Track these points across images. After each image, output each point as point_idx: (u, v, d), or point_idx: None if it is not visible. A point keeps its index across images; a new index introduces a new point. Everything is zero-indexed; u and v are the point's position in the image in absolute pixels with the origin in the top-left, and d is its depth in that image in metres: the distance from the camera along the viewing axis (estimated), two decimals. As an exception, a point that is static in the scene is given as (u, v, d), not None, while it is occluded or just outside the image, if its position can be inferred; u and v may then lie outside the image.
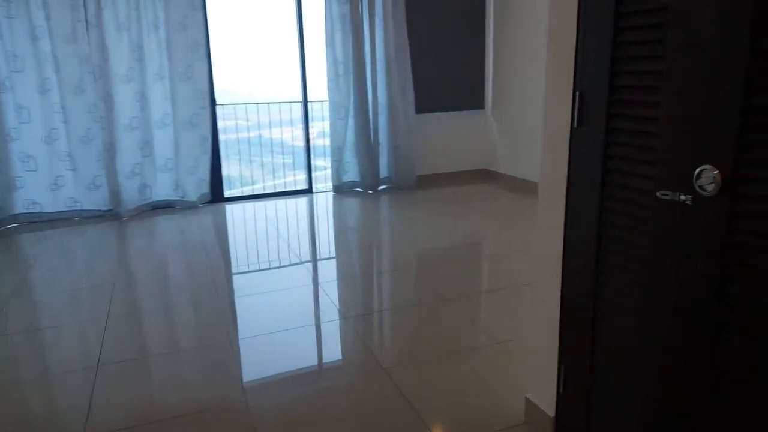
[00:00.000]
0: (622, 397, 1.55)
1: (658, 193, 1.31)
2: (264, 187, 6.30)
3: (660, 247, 1.34)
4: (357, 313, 2.92)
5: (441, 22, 5.81)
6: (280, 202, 5.59)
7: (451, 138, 6.20)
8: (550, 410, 1.86)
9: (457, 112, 6.13)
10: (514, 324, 2.75)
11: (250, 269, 3.69)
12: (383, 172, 5.88)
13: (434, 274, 3.48)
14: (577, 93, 1.54)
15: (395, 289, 3.29)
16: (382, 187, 5.92)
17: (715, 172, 1.17)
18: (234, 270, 3.71)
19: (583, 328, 1.65)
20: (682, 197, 1.26)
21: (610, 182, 1.48)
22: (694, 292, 1.27)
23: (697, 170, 1.21)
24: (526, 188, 5.59)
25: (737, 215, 1.16)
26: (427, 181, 6.13)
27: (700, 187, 1.21)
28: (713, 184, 1.18)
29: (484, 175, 6.34)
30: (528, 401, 1.97)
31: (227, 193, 5.64)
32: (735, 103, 1.12)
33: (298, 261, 3.79)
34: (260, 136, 6.64)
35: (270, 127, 6.36)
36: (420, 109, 5.87)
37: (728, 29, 1.12)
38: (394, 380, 2.26)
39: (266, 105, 6.27)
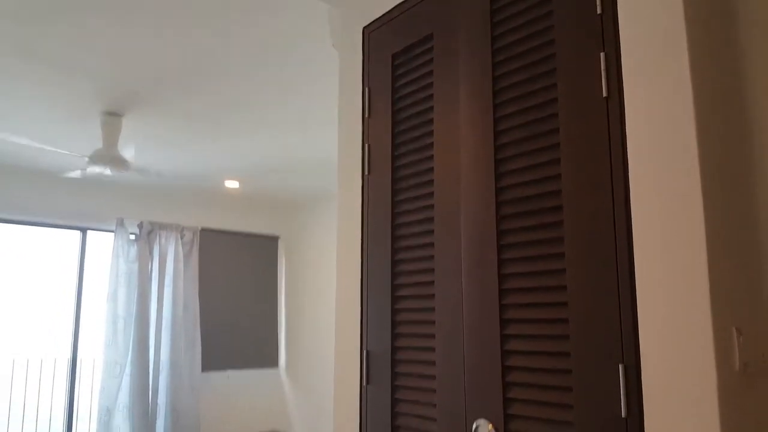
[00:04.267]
0: None
1: (443, 450, 1.36)
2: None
3: (452, 508, 1.33)
4: None
5: (234, 282, 5.93)
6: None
7: (241, 398, 5.84)
8: None
9: (249, 370, 5.92)
10: None
11: None
12: (159, 440, 5.16)
13: None
14: (365, 351, 1.64)
15: None
16: (156, 460, 5.12)
17: (489, 426, 1.27)
18: None
19: None
20: (465, 453, 1.32)
21: (400, 441, 1.50)
22: None
23: (474, 425, 1.30)
24: (319, 453, 5.31)
25: (513, 468, 1.24)
26: (210, 450, 5.49)
27: (478, 441, 1.29)
28: (489, 439, 1.27)
29: (275, 440, 5.93)
30: None
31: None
32: (496, 363, 1.29)
33: None
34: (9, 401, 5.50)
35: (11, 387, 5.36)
36: (208, 366, 5.55)
37: (482, 307, 1.35)
38: None
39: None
